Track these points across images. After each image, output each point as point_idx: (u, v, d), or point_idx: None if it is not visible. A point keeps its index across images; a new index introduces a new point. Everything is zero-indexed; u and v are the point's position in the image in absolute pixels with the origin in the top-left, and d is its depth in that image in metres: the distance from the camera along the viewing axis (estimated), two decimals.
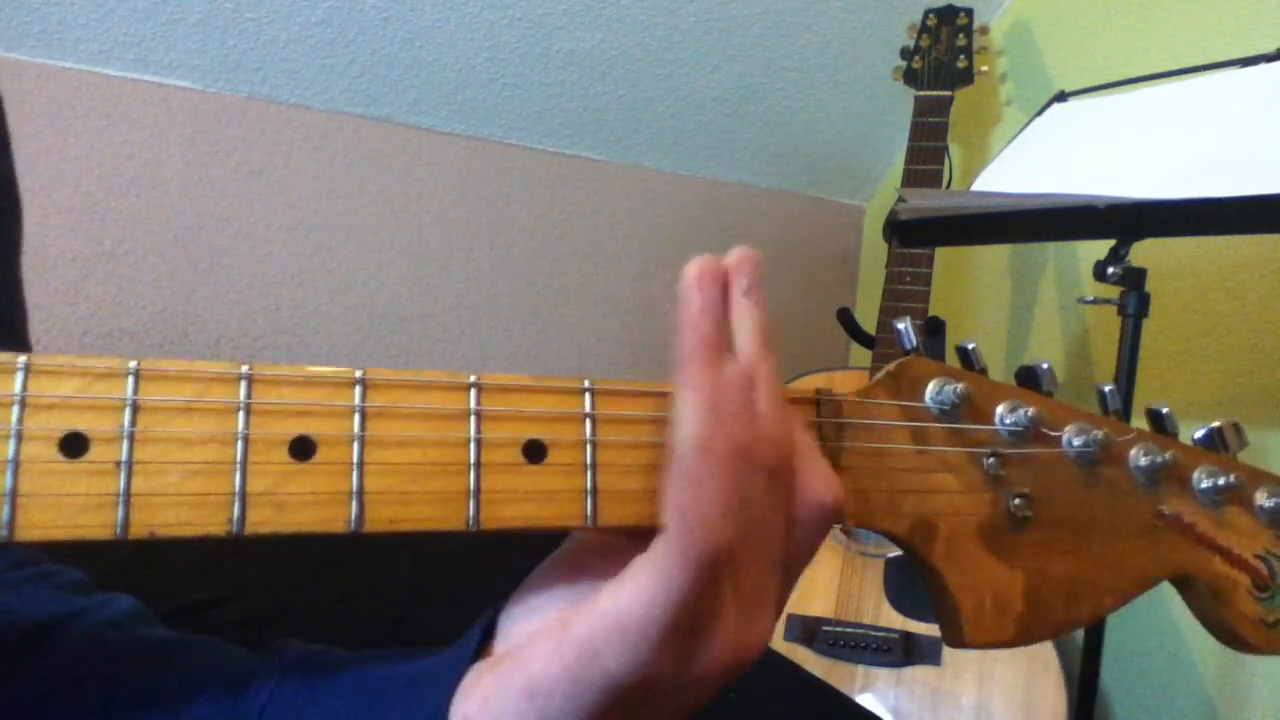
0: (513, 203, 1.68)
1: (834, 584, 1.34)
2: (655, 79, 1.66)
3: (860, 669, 1.27)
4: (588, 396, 0.36)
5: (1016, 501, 0.40)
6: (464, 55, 1.53)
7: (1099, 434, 0.41)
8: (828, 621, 1.31)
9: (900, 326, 0.41)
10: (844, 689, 1.24)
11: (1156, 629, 1.35)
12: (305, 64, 1.47)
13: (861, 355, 1.62)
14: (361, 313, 1.58)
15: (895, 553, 1.36)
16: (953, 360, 0.43)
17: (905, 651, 1.26)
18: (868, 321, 1.51)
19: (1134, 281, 1.05)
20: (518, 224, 1.69)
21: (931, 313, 1.41)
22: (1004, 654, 1.25)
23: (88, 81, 1.37)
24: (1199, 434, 0.45)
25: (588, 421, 0.36)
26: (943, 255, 1.50)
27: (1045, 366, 0.42)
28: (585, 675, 0.32)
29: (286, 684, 0.39)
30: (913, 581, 1.32)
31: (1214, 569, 0.42)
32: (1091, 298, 1.10)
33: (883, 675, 1.27)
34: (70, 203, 1.36)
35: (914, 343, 0.41)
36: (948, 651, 1.26)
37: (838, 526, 1.46)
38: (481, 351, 1.67)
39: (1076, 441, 0.41)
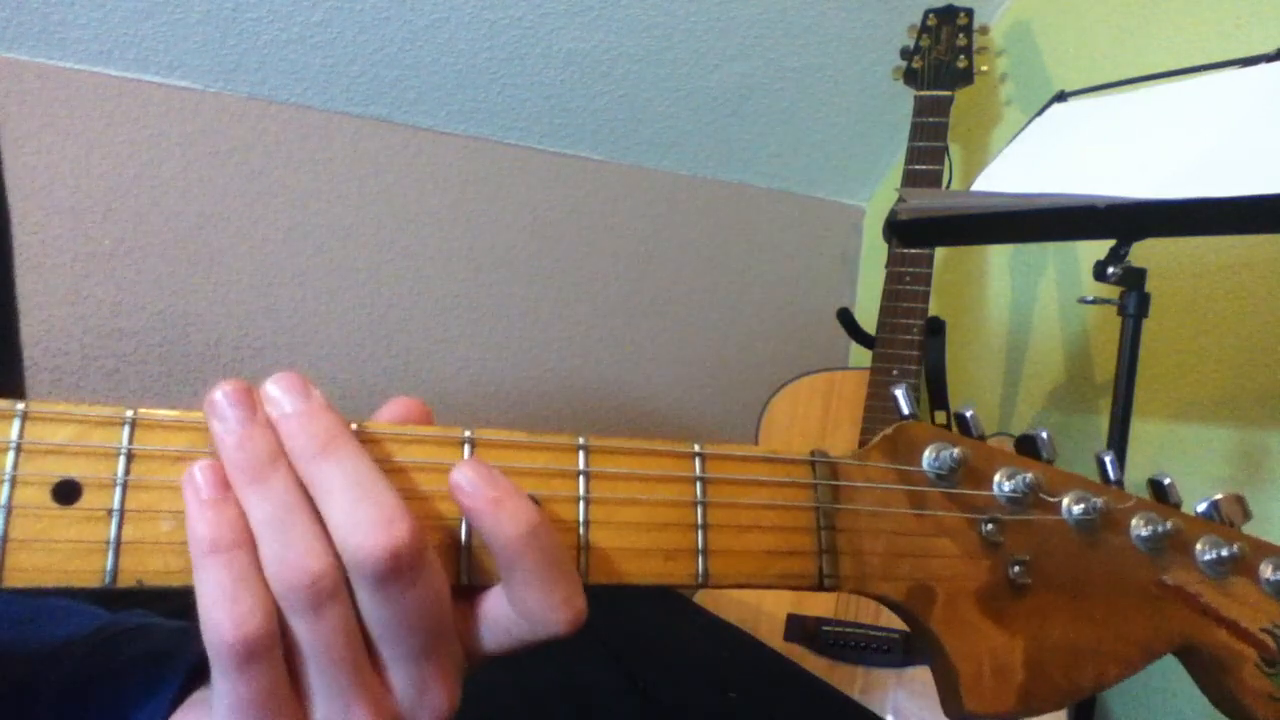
0: (513, 203, 1.68)
1: None
2: (655, 79, 1.66)
3: (860, 669, 1.27)
4: (582, 454, 0.36)
5: (1016, 568, 0.39)
6: (464, 55, 1.53)
7: (1099, 501, 0.40)
8: (828, 621, 1.31)
9: (897, 392, 0.41)
10: (844, 689, 1.24)
11: None
12: (305, 64, 1.47)
13: (861, 355, 1.62)
14: (361, 313, 1.58)
15: None
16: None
17: (905, 651, 1.26)
18: (868, 321, 1.51)
19: (1134, 281, 1.05)
20: (518, 224, 1.69)
21: (931, 313, 1.41)
22: None
23: (88, 81, 1.37)
24: (1201, 506, 0.44)
25: (581, 477, 0.36)
26: (943, 255, 1.50)
27: (1044, 435, 0.42)
28: None
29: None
30: None
31: (1219, 641, 0.41)
32: (1091, 298, 1.10)
33: (883, 675, 1.27)
34: (70, 203, 1.36)
35: (911, 408, 0.41)
36: None
37: None
38: (481, 352, 1.67)
39: (1076, 509, 0.40)
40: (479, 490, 0.32)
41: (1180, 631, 0.41)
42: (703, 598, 1.30)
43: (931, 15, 1.55)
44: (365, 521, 0.31)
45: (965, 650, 0.38)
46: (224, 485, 0.31)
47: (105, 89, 1.38)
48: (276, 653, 0.31)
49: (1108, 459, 0.43)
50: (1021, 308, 1.65)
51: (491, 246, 1.67)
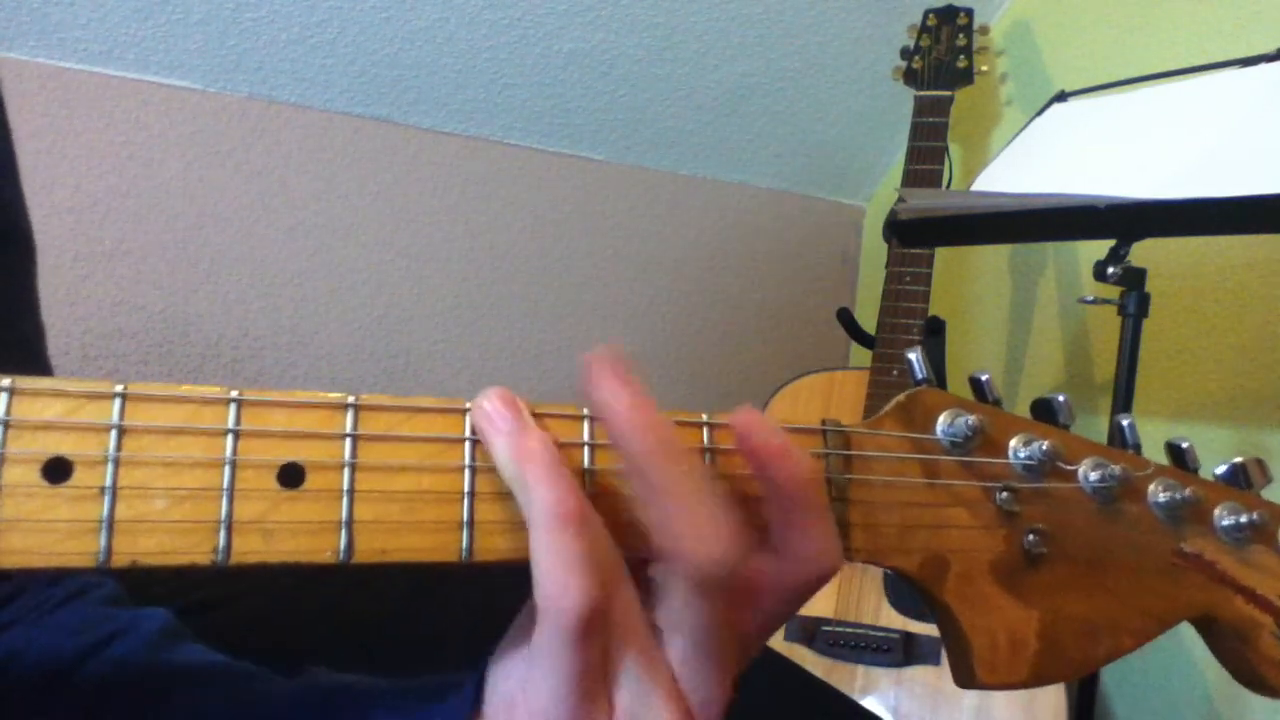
0: (513, 203, 1.68)
1: (834, 584, 1.34)
2: (655, 79, 1.66)
3: (860, 669, 1.27)
4: (586, 423, 0.35)
5: (1031, 538, 0.38)
6: (464, 55, 1.53)
7: (1116, 469, 0.40)
8: (828, 621, 1.31)
9: (911, 357, 0.40)
10: (844, 689, 1.24)
11: None
12: (305, 64, 1.47)
13: (861, 355, 1.62)
14: (361, 312, 1.58)
15: None
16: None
17: (905, 651, 1.26)
18: (868, 321, 1.51)
19: (1134, 281, 1.05)
20: (518, 224, 1.69)
21: (931, 313, 1.41)
22: None
23: (88, 81, 1.37)
24: (1221, 469, 0.43)
25: (586, 448, 0.35)
26: (943, 255, 1.50)
27: (1062, 399, 0.41)
28: None
29: None
30: None
31: (1236, 610, 0.41)
32: (1091, 298, 1.10)
33: (883, 675, 1.27)
34: (70, 203, 1.36)
35: (925, 373, 0.40)
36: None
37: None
38: (481, 352, 1.67)
39: (1093, 476, 0.40)
40: (767, 439, 0.33)
41: (1198, 601, 0.40)
42: None
43: (931, 15, 1.55)
44: (707, 529, 0.32)
45: (979, 623, 0.37)
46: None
47: (105, 89, 1.38)
48: (606, 629, 0.32)
49: (1125, 424, 0.42)
50: (1021, 308, 1.65)
51: (491, 246, 1.67)
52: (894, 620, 1.29)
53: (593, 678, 0.32)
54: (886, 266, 1.43)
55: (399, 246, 1.60)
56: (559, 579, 0.31)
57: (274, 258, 1.51)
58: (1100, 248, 1.04)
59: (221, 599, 0.69)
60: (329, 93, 1.51)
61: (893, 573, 0.38)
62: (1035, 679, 0.38)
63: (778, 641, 1.32)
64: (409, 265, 1.61)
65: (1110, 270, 1.02)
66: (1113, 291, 1.06)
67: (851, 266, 2.02)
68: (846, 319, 1.60)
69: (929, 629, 1.28)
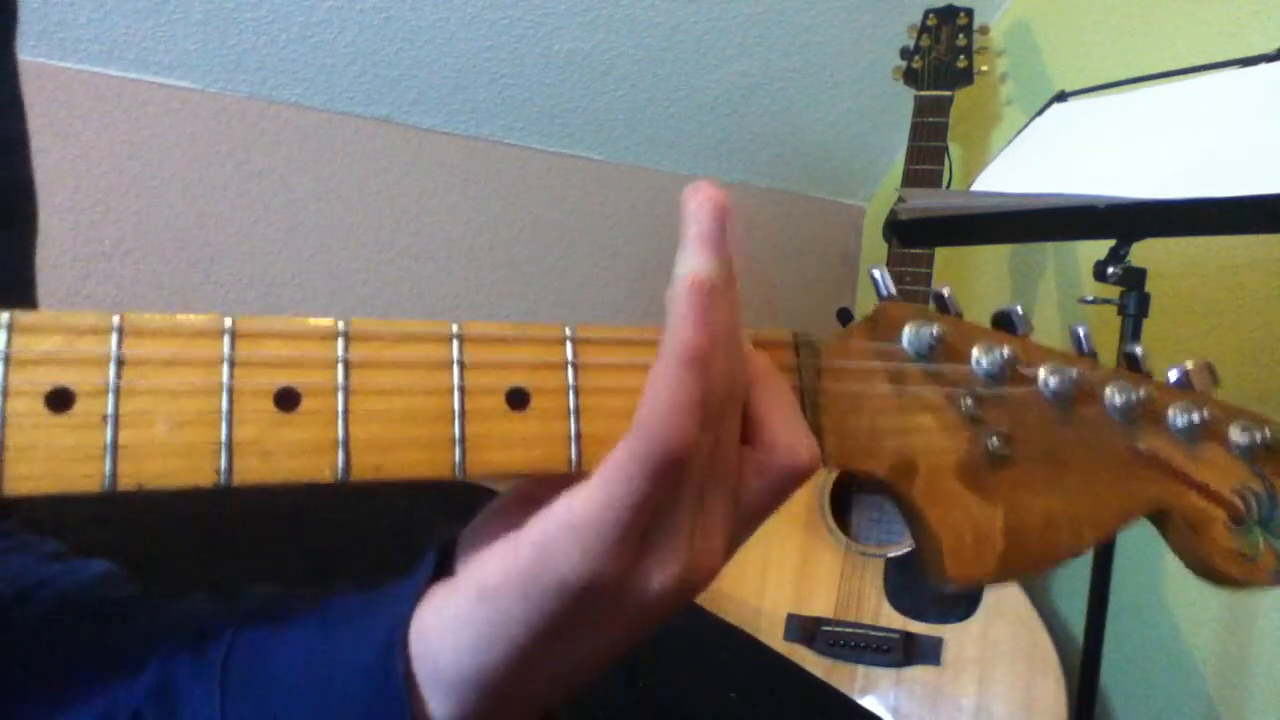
0: (513, 203, 1.68)
1: (834, 584, 1.34)
2: (655, 79, 1.66)
3: (860, 669, 1.28)
4: (569, 344, 0.36)
5: (994, 440, 0.40)
6: (464, 55, 1.53)
7: (1073, 373, 0.41)
8: (828, 621, 1.31)
9: (875, 273, 0.42)
10: (844, 689, 1.24)
11: (1156, 630, 1.35)
12: (305, 64, 1.47)
13: None
14: (361, 312, 1.57)
15: (895, 552, 1.36)
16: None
17: (905, 651, 1.27)
18: None
19: (1134, 281, 1.05)
20: (518, 224, 1.69)
21: None
22: (1004, 654, 1.26)
23: (88, 81, 1.36)
24: (1172, 374, 0.45)
25: (570, 368, 0.36)
26: (943, 255, 1.50)
27: (1019, 310, 0.43)
28: (537, 575, 0.32)
29: (247, 629, 0.39)
30: (913, 581, 1.32)
31: (1190, 503, 0.43)
32: (1091, 298, 1.10)
33: (883, 675, 1.27)
34: (70, 203, 1.36)
35: (890, 290, 0.42)
36: (948, 651, 1.26)
37: (836, 526, 1.44)
38: None
39: (1052, 381, 0.41)
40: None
41: (1153, 496, 0.43)
42: (702, 597, 1.30)
43: (931, 15, 1.55)
44: (807, 438, 0.36)
45: (947, 521, 0.39)
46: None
47: (105, 89, 1.38)
48: (689, 469, 0.33)
49: (1081, 331, 0.44)
50: (1021, 308, 1.64)
51: (491, 246, 1.67)
52: (894, 620, 1.29)
53: (652, 506, 0.32)
54: (886, 266, 1.43)
55: (399, 246, 1.60)
56: (662, 411, 0.32)
57: (274, 258, 1.50)
58: (1100, 248, 1.04)
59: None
60: (329, 93, 1.51)
61: (863, 474, 0.39)
62: (1002, 571, 0.40)
63: (778, 642, 1.32)
64: (409, 265, 1.61)
65: (1110, 270, 1.02)
66: (1113, 291, 1.06)
67: (851, 266, 2.02)
68: (846, 319, 1.60)
69: (929, 629, 1.28)
